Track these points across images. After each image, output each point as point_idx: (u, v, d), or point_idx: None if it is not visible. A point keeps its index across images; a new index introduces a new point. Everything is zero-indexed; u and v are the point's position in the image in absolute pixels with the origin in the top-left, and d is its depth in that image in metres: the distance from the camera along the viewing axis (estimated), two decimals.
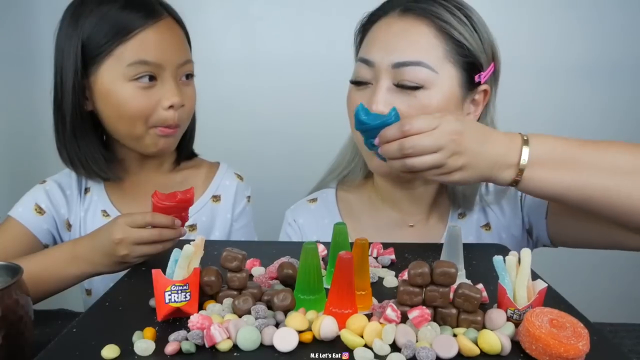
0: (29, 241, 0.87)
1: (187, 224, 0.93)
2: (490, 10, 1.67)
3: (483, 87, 0.79)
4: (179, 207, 0.71)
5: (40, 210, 0.89)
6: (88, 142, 0.87)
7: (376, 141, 0.67)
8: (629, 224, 0.68)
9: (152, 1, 0.85)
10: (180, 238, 0.73)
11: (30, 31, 1.59)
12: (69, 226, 0.93)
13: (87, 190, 0.95)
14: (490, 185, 0.90)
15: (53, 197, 0.92)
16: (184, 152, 0.99)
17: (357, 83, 0.79)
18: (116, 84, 0.82)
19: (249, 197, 1.02)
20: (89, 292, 0.97)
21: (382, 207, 0.90)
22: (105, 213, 0.93)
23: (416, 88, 0.74)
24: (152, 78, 0.83)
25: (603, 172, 0.64)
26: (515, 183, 0.66)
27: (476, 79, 0.78)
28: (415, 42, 0.75)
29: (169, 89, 0.84)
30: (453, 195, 0.88)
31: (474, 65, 0.77)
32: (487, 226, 0.88)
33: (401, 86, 0.74)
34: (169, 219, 0.70)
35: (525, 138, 0.65)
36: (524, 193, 0.70)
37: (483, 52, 0.78)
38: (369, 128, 0.66)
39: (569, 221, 0.79)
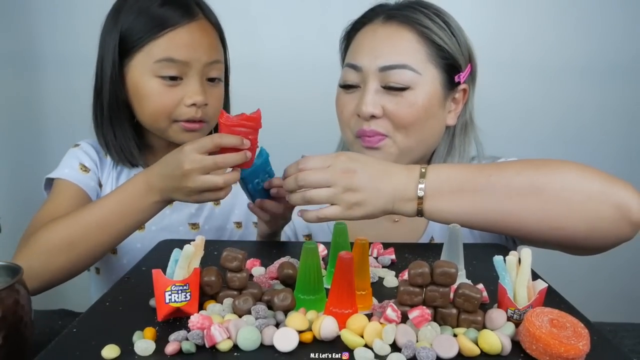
0: (84, 199, 0.89)
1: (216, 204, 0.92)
2: (490, 10, 1.67)
3: (462, 86, 0.86)
4: (247, 128, 0.69)
5: (85, 169, 0.92)
6: (123, 130, 0.91)
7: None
8: (543, 243, 0.70)
9: (190, 1, 0.88)
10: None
11: (30, 31, 1.59)
12: (100, 185, 0.95)
13: None
14: None
15: (91, 155, 0.94)
16: None
17: (346, 87, 0.85)
18: (144, 78, 0.86)
19: None
20: (98, 270, 0.99)
21: None
22: None
23: (402, 89, 0.80)
24: (175, 78, 0.86)
25: (500, 196, 0.65)
26: (420, 214, 0.67)
27: (456, 79, 0.84)
28: (399, 47, 0.81)
29: (192, 87, 0.86)
30: None
31: (453, 67, 0.83)
32: None
33: (388, 88, 0.80)
34: (238, 138, 0.68)
35: (423, 171, 0.67)
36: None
37: (461, 55, 0.84)
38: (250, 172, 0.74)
39: None
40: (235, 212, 1.01)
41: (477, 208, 0.65)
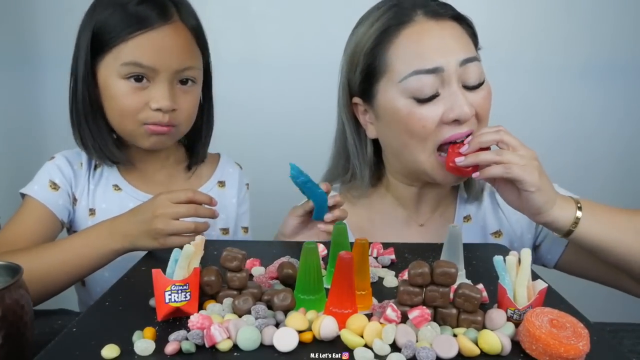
0: (50, 219, 0.89)
1: None
2: (490, 10, 1.67)
3: None
4: None
5: (54, 186, 0.91)
6: (99, 127, 0.89)
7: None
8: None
9: (167, 1, 0.86)
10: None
11: (30, 31, 1.59)
12: (74, 200, 0.94)
13: (96, 165, 0.96)
14: None
15: (64, 171, 0.93)
16: (199, 157, 1.01)
17: (425, 100, 0.74)
18: (112, 79, 0.85)
19: (247, 184, 1.08)
20: (83, 282, 0.97)
21: (392, 208, 0.91)
22: (117, 187, 0.95)
23: (479, 85, 0.77)
24: (141, 79, 0.84)
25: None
26: (574, 225, 0.72)
27: None
28: (462, 40, 0.77)
29: (159, 92, 0.84)
30: (466, 188, 0.90)
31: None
32: (498, 233, 0.89)
33: (466, 87, 0.75)
34: (208, 197, 0.76)
35: (578, 205, 0.72)
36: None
37: None
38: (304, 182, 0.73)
39: (587, 257, 0.82)
40: (222, 217, 0.98)
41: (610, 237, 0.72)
